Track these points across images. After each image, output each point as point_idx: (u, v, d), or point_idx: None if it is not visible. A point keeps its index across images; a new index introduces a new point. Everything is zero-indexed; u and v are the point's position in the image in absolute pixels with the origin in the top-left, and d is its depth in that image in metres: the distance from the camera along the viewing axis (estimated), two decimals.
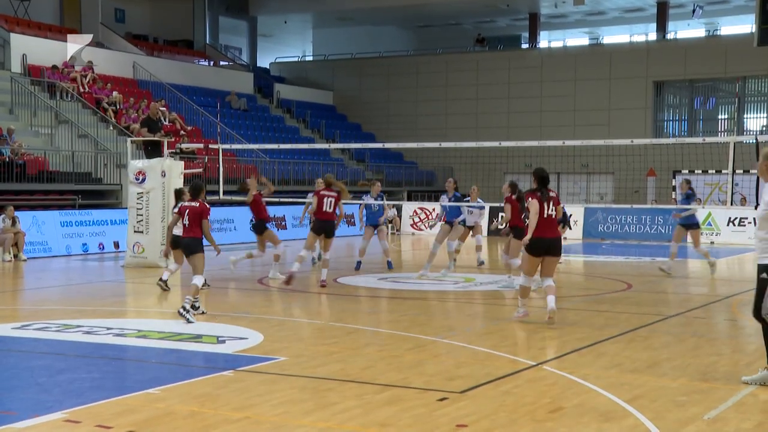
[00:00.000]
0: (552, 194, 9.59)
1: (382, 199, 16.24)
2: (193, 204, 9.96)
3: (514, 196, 12.44)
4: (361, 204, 16.20)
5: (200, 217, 9.86)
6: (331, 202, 12.80)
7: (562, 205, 10.09)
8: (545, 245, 9.41)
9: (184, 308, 9.56)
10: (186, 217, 9.90)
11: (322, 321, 9.93)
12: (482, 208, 15.51)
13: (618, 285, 13.75)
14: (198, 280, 9.83)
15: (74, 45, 26.31)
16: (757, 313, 6.64)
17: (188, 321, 9.44)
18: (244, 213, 22.95)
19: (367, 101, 36.79)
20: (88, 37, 24.51)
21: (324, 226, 12.85)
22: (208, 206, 10.06)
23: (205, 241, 9.95)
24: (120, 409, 5.95)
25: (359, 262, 15.75)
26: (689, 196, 14.94)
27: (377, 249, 16.68)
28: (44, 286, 13.95)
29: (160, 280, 12.30)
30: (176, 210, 11.82)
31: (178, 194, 12.63)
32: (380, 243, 15.99)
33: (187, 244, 9.88)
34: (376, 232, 15.89)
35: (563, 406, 6.19)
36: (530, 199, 9.60)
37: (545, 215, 9.37)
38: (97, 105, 24.83)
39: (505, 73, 34.35)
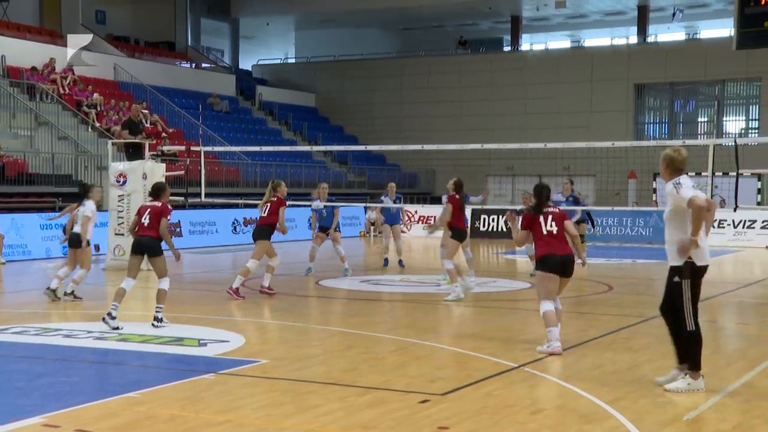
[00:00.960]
0: (551, 210, 8.44)
1: (400, 201, 16.53)
2: (154, 204, 9.63)
3: (457, 196, 11.98)
4: (376, 207, 16.57)
5: (159, 217, 9.47)
6: (266, 207, 12.31)
7: (575, 219, 8.75)
8: (559, 262, 8.19)
9: (156, 318, 9.39)
10: (147, 216, 9.52)
11: (304, 323, 9.91)
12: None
13: (599, 287, 13.82)
14: (165, 284, 9.53)
15: (62, 48, 26.11)
16: (664, 307, 6.76)
17: (162, 325, 9.33)
18: (226, 215, 22.90)
19: (349, 103, 36.79)
20: (88, 37, 23.52)
21: (255, 232, 12.38)
22: (169, 207, 9.74)
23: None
24: (100, 413, 5.91)
25: (400, 260, 16.45)
26: (576, 200, 14.97)
27: (359, 252, 16.67)
28: (23, 289, 13.83)
29: (65, 293, 11.68)
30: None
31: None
32: (395, 243, 16.48)
33: (146, 244, 9.46)
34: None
35: (545, 408, 6.21)
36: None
37: (544, 231, 8.29)
38: (77, 107, 24.67)
39: (488, 76, 34.46)
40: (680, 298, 6.58)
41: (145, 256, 9.56)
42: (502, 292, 13.29)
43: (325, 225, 15.40)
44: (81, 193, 12.16)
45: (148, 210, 9.56)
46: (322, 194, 15.36)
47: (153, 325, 9.34)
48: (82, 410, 5.97)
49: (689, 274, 6.55)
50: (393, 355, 8.14)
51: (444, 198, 14.60)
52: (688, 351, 6.65)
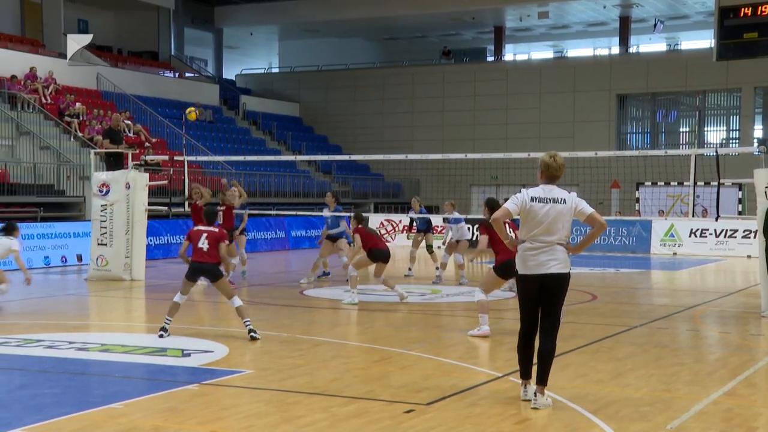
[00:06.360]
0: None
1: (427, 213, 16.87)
2: (210, 229, 9.56)
3: (360, 226, 12.69)
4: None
5: (218, 242, 9.46)
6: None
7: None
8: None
9: (252, 331, 9.30)
10: (204, 242, 9.40)
11: (288, 334, 9.88)
12: (459, 221, 15.98)
13: (583, 296, 13.87)
14: (238, 302, 9.49)
15: (43, 57, 25.88)
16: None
17: (257, 336, 9.32)
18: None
19: (333, 113, 36.82)
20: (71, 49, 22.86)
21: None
22: (225, 231, 9.79)
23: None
24: (82, 425, 5.86)
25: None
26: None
27: (337, 261, 16.62)
28: (4, 299, 13.69)
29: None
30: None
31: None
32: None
33: (208, 270, 9.46)
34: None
35: (529, 418, 6.22)
36: (481, 235, 9.84)
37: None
38: (59, 116, 24.53)
39: (471, 86, 34.59)
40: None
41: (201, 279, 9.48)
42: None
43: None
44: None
45: (205, 235, 9.45)
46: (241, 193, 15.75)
47: (252, 337, 9.23)
48: (64, 422, 5.92)
49: (518, 280, 6.62)
50: (377, 365, 8.13)
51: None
52: None
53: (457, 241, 15.96)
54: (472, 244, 19.43)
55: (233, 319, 11.19)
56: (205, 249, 9.38)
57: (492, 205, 9.97)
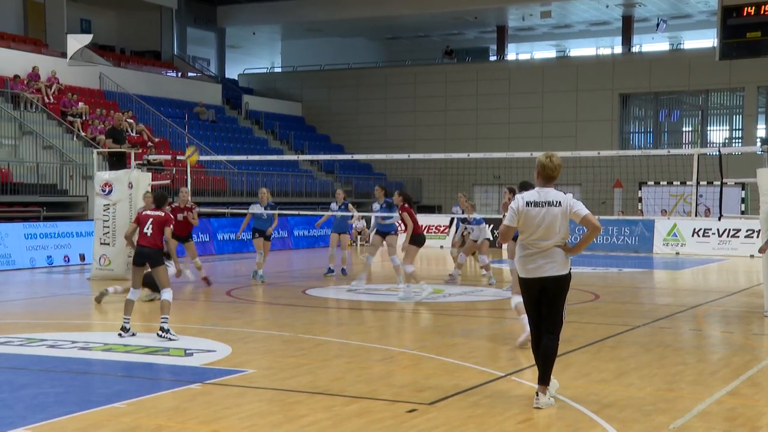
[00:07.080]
0: None
1: (347, 209, 16.33)
2: (157, 213, 9.50)
3: (406, 205, 12.68)
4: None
5: (163, 226, 9.41)
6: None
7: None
8: None
9: (162, 329, 9.16)
10: (149, 226, 9.38)
11: (290, 333, 9.89)
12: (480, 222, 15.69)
13: (585, 296, 13.86)
14: (167, 295, 9.34)
15: (46, 57, 25.88)
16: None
17: (168, 337, 9.13)
18: (219, 225, 22.82)
19: (336, 113, 36.84)
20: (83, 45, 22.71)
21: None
22: (171, 216, 9.72)
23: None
24: (84, 424, 5.87)
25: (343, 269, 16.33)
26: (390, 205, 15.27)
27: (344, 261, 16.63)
28: (7, 299, 13.72)
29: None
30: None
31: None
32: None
33: (148, 254, 9.35)
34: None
35: (531, 417, 6.22)
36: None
37: None
38: (62, 116, 24.56)
39: (474, 85, 34.59)
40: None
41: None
42: (488, 301, 13.31)
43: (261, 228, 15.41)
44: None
45: (151, 219, 9.45)
46: (262, 199, 15.47)
47: (158, 335, 9.14)
48: (67, 421, 5.93)
49: (520, 283, 6.61)
50: (380, 364, 8.13)
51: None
52: None
53: (476, 241, 15.63)
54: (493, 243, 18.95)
55: (236, 318, 11.19)
56: (148, 234, 9.37)
57: (527, 188, 9.78)
